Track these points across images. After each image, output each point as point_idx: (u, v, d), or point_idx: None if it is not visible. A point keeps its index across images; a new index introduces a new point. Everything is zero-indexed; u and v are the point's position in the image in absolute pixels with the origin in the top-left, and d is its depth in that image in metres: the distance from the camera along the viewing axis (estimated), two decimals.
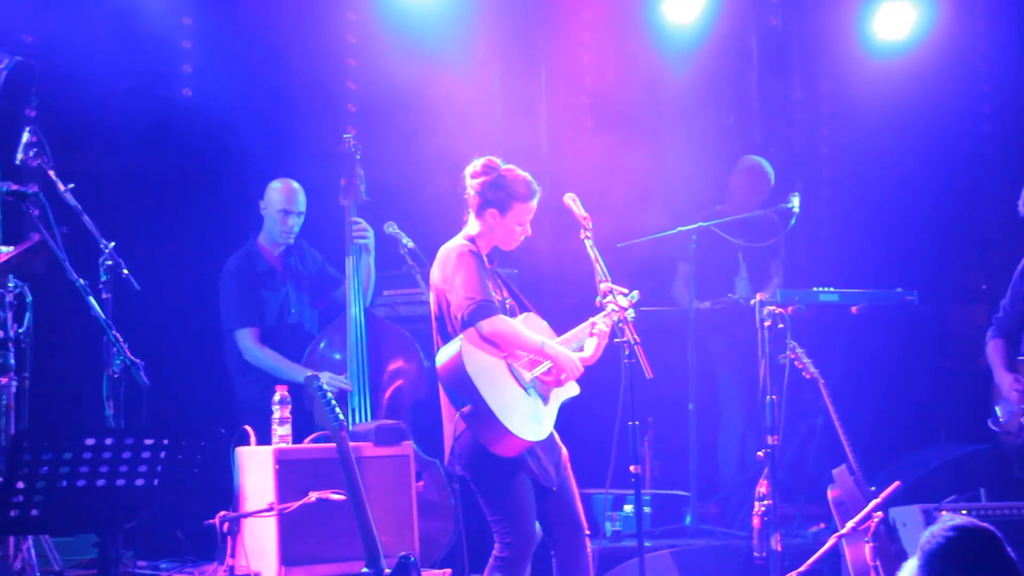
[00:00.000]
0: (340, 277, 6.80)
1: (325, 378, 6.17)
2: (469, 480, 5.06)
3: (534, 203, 5.09)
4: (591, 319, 5.05)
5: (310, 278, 6.88)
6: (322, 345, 6.65)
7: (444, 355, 5.02)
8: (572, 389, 5.11)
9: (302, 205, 6.76)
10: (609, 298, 4.99)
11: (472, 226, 5.14)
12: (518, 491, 5.00)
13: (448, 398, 5.05)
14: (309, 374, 5.59)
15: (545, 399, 5.03)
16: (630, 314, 5.07)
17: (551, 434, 5.09)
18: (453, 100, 7.90)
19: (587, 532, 5.21)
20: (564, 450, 5.16)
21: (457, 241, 5.13)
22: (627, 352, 4.85)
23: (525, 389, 5.00)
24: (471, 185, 5.12)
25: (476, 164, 5.13)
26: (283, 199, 6.72)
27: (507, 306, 5.12)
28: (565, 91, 8.45)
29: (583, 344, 5.09)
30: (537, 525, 5.32)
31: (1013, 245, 7.27)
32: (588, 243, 5.09)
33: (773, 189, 8.01)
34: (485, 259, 5.10)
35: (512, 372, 4.99)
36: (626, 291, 5.06)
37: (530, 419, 4.97)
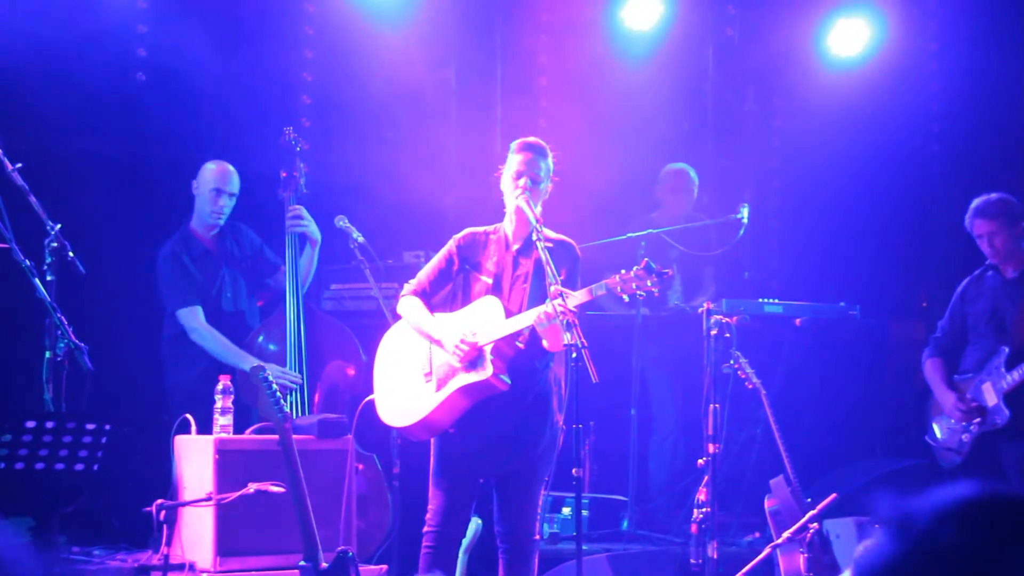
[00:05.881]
0: (278, 262, 6.76)
1: (275, 372, 6.14)
2: None
3: (520, 154, 5.25)
4: (539, 307, 5.05)
5: (247, 261, 6.80)
6: (260, 337, 6.61)
7: None
8: (480, 375, 5.07)
9: (235, 186, 6.65)
10: (559, 300, 4.97)
11: None
12: (436, 469, 5.22)
13: None
14: (255, 364, 5.54)
15: (440, 384, 5.09)
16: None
17: (498, 425, 5.10)
18: (409, 94, 7.89)
19: (536, 536, 5.25)
20: (544, 448, 5.18)
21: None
22: (574, 355, 4.85)
23: (428, 375, 5.17)
24: None
25: None
26: (216, 178, 6.64)
27: (517, 287, 5.18)
28: (521, 92, 8.46)
29: (523, 330, 5.09)
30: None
31: (954, 265, 7.37)
32: (539, 245, 5.09)
33: (722, 199, 8.06)
34: (505, 236, 5.28)
35: (426, 356, 5.22)
36: (572, 293, 5.07)
37: (405, 404, 5.22)
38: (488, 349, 5.08)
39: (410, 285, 5.37)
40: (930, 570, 1.46)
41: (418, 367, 5.26)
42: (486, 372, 5.07)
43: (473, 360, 5.09)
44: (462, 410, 5.13)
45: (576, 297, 4.97)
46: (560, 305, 4.88)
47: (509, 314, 5.12)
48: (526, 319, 5.03)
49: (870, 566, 1.49)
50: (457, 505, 5.16)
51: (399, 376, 5.29)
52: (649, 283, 4.98)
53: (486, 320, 5.12)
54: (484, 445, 5.14)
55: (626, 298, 5.06)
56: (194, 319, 6.51)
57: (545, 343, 5.05)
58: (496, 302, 5.14)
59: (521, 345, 5.10)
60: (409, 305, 5.32)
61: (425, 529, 5.19)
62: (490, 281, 5.22)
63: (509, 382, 5.09)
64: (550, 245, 5.16)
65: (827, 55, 8.84)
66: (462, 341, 5.08)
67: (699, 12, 8.81)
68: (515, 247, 5.26)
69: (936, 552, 1.46)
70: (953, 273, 7.08)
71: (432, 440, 5.24)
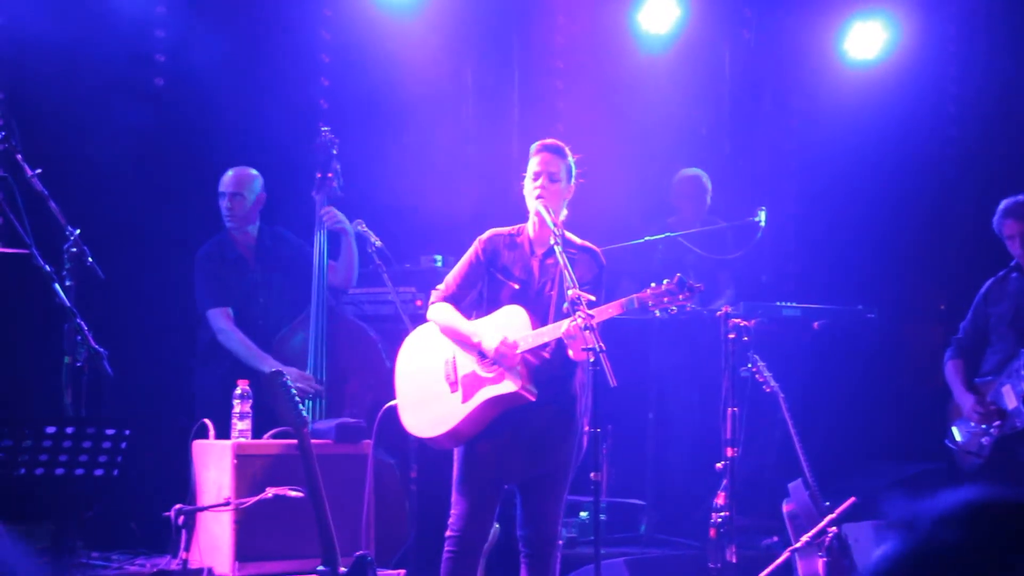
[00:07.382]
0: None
1: (294, 375, 6.10)
2: None
3: (537, 155, 5.25)
4: (560, 321, 5.02)
5: (286, 267, 6.78)
6: (291, 337, 6.61)
7: None
8: (508, 387, 5.06)
9: (237, 186, 6.62)
10: (580, 315, 4.93)
11: None
12: (460, 476, 5.15)
13: None
14: (275, 368, 5.53)
15: (466, 395, 5.07)
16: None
17: (523, 432, 5.08)
18: (426, 98, 7.90)
19: (559, 541, 5.24)
20: (569, 454, 5.16)
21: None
22: (592, 359, 4.84)
23: (453, 384, 5.12)
24: None
25: None
26: (220, 182, 6.68)
27: (544, 292, 5.14)
28: (538, 94, 8.46)
29: (548, 343, 5.07)
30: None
31: (972, 269, 7.34)
32: (558, 250, 5.07)
33: (739, 202, 8.04)
34: (528, 240, 5.23)
35: (450, 365, 5.14)
36: (593, 298, 5.05)
37: (431, 414, 5.14)
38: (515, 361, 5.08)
39: (438, 291, 5.30)
40: (933, 572, 1.46)
41: (442, 375, 5.20)
42: (514, 384, 5.04)
43: (500, 372, 5.07)
44: (489, 420, 5.10)
45: (606, 311, 4.96)
46: (580, 310, 4.86)
47: (534, 321, 5.10)
48: (554, 331, 5.02)
49: (876, 567, 1.50)
50: (481, 511, 5.14)
51: (423, 385, 5.23)
52: (681, 298, 4.97)
53: (511, 330, 5.09)
54: (509, 452, 5.12)
55: (658, 313, 5.04)
56: (221, 320, 6.55)
57: (570, 352, 5.03)
58: (521, 311, 5.11)
59: (547, 355, 5.10)
60: (441, 310, 5.23)
61: (448, 534, 5.16)
62: (517, 287, 5.19)
63: (536, 392, 5.07)
64: (573, 252, 5.15)
65: (844, 57, 8.82)
66: (503, 343, 5.03)
67: (715, 14, 8.80)
68: (540, 252, 5.24)
69: (939, 554, 1.46)
70: (971, 276, 7.05)
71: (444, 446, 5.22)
